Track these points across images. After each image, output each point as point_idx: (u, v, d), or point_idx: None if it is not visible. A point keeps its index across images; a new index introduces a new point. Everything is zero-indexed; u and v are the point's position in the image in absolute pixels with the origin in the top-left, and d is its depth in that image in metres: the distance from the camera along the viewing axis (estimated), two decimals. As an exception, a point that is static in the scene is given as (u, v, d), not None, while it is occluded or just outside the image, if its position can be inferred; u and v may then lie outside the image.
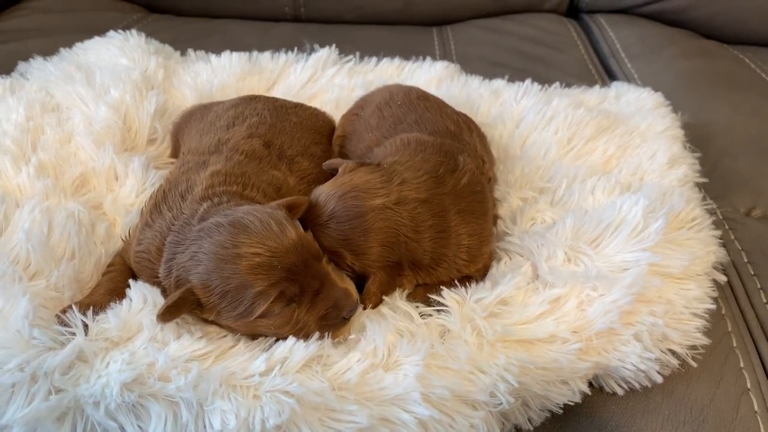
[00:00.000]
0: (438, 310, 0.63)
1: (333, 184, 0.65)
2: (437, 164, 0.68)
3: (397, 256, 0.64)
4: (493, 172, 0.80)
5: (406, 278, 0.65)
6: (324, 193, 0.65)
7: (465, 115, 0.83)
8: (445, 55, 1.31)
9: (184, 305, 0.57)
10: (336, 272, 0.62)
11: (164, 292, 0.61)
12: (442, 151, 0.70)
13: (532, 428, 0.63)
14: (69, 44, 1.11)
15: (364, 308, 0.64)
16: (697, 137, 0.98)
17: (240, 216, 0.58)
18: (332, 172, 0.69)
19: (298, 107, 0.86)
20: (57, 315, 0.58)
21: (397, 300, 0.64)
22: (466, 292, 0.64)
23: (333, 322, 0.59)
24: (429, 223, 0.65)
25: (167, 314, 0.56)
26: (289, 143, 0.77)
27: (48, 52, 1.08)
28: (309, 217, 0.65)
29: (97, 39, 1.11)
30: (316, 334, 0.59)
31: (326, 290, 0.59)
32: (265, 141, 0.74)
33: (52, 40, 1.17)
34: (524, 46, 1.37)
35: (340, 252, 0.64)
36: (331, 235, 0.64)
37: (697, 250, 0.70)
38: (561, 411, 0.62)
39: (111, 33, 1.12)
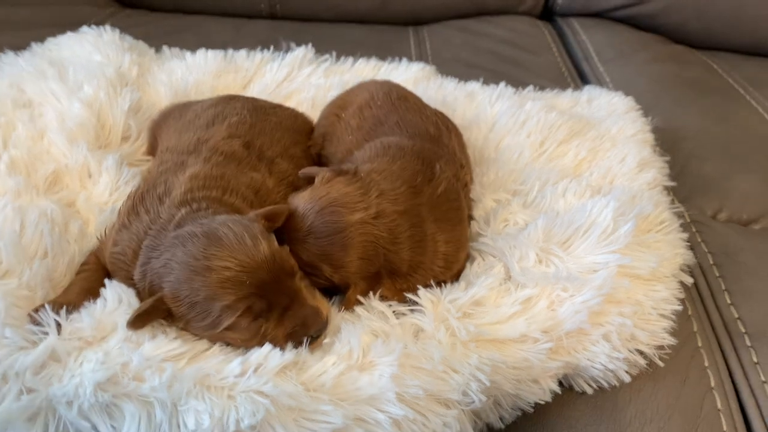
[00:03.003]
0: (412, 309, 0.64)
1: (310, 197, 0.65)
2: (415, 173, 0.69)
3: (376, 267, 0.65)
4: (470, 175, 0.80)
5: (384, 286, 0.66)
6: (302, 206, 0.65)
7: (443, 115, 0.84)
8: (421, 55, 1.32)
9: (154, 313, 0.57)
10: (308, 289, 0.63)
11: (138, 294, 0.60)
12: (420, 158, 0.71)
13: (503, 426, 0.64)
14: (41, 39, 1.09)
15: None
16: (666, 141, 1.00)
17: (215, 227, 0.58)
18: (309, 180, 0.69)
19: (277, 107, 0.86)
20: (29, 314, 0.58)
21: (372, 300, 0.64)
22: (441, 292, 0.65)
23: (300, 339, 0.59)
24: (407, 234, 0.66)
25: (138, 322, 0.56)
26: (269, 144, 0.77)
27: (19, 46, 1.06)
28: (287, 231, 0.65)
29: (69, 34, 1.09)
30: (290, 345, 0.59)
31: (295, 308, 0.59)
32: (244, 141, 0.74)
33: (24, 34, 1.15)
34: (499, 48, 1.38)
35: (318, 266, 0.64)
36: (310, 250, 0.64)
37: (665, 252, 0.71)
38: (532, 410, 0.64)
39: (84, 28, 1.11)
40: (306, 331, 0.59)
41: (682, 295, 0.71)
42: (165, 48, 1.14)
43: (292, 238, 0.64)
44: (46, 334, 0.56)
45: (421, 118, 0.81)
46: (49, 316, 0.56)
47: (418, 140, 0.76)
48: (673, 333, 0.68)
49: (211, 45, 1.14)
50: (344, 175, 0.67)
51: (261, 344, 0.58)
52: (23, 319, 0.58)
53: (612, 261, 0.66)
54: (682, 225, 0.80)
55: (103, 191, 0.77)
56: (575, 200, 0.75)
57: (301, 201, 0.65)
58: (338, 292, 0.68)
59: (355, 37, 1.37)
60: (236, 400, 0.53)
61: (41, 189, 0.75)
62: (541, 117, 0.90)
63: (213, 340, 0.59)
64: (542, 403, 0.64)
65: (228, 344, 0.59)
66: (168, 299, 0.57)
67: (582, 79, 1.32)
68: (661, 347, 0.68)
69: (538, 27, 1.50)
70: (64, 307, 0.57)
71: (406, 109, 0.81)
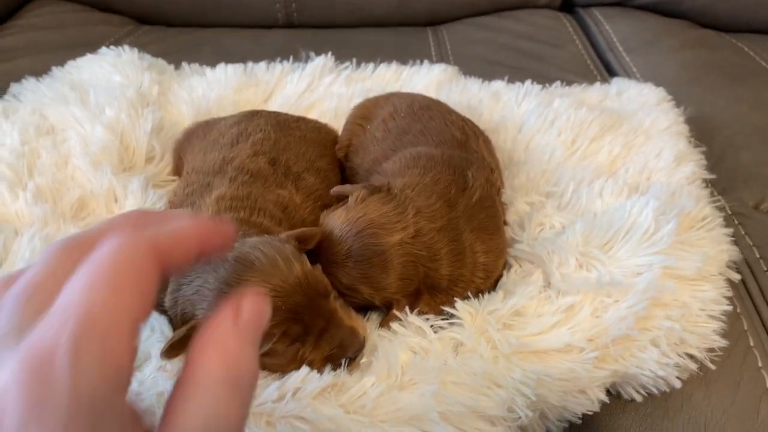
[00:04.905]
0: (450, 323, 0.62)
1: (346, 218, 0.63)
2: (448, 185, 0.67)
3: (416, 285, 0.63)
4: (501, 179, 0.78)
5: (423, 302, 0.64)
6: (338, 228, 0.63)
7: (469, 120, 0.82)
8: (442, 56, 1.30)
9: (188, 341, 0.56)
10: (343, 308, 0.61)
11: (171, 322, 0.59)
12: (451, 167, 0.69)
13: (550, 439, 0.62)
14: (60, 61, 1.09)
15: None
16: (700, 131, 0.96)
17: (246, 251, 0.56)
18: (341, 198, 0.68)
19: (301, 121, 0.84)
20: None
21: (409, 315, 0.62)
22: (479, 304, 0.63)
23: (338, 361, 0.57)
24: (446, 250, 0.64)
25: (172, 351, 0.55)
26: (294, 159, 0.75)
27: (39, 70, 1.06)
28: (324, 254, 0.63)
29: (89, 56, 1.09)
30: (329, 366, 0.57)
31: (332, 330, 0.58)
32: (270, 158, 0.73)
33: (43, 58, 1.15)
34: (520, 43, 1.35)
35: (358, 288, 0.63)
36: (350, 273, 0.62)
37: (710, 250, 0.68)
38: (580, 420, 0.61)
39: (103, 49, 1.11)
40: (344, 353, 0.58)
41: (730, 294, 0.68)
42: (184, 64, 1.14)
43: (330, 261, 0.63)
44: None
45: (446, 123, 0.79)
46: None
47: (446, 148, 0.74)
48: (723, 334, 0.65)
49: (229, 58, 1.13)
50: (378, 193, 0.65)
51: (299, 368, 0.56)
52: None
53: (656, 263, 0.63)
54: (723, 218, 0.77)
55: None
56: (613, 200, 0.73)
57: (337, 223, 0.64)
58: (374, 308, 0.67)
59: (374, 40, 1.35)
60: (276, 428, 0.52)
61: (68, 216, 0.74)
62: (570, 114, 0.87)
63: None
64: (590, 413, 0.61)
65: (264, 369, 0.58)
66: None
67: (608, 70, 1.29)
68: (711, 350, 0.65)
69: (559, 19, 1.46)
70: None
71: (430, 118, 0.80)
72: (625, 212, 0.68)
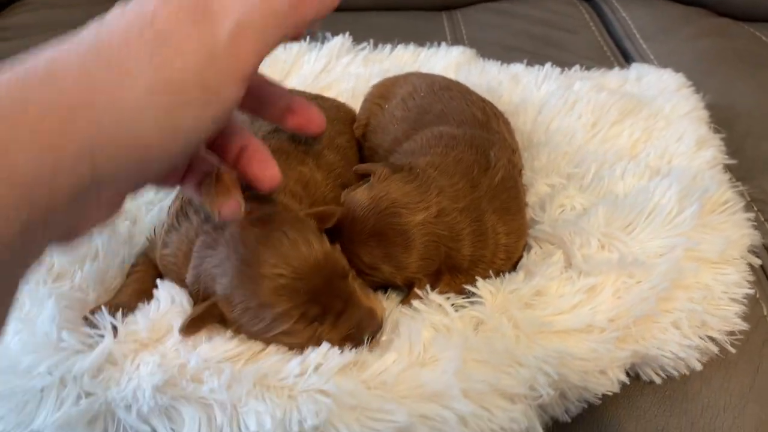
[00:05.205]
0: (471, 302, 0.62)
1: (368, 196, 0.63)
2: (471, 165, 0.66)
3: (437, 265, 0.63)
4: (520, 160, 0.78)
5: (444, 282, 0.64)
6: (360, 206, 0.63)
7: (489, 102, 0.81)
8: (457, 41, 1.29)
9: (208, 318, 0.56)
10: (362, 288, 0.61)
11: (191, 295, 0.59)
12: (474, 147, 0.69)
13: (569, 420, 0.62)
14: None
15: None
16: (719, 118, 0.95)
17: (267, 231, 0.55)
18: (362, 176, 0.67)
19: (319, 98, 0.84)
20: (85, 316, 0.57)
21: (430, 293, 0.62)
22: (500, 283, 0.63)
23: (356, 341, 0.57)
24: (468, 231, 0.63)
25: (191, 327, 0.55)
26: (315, 136, 0.75)
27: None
28: (344, 232, 0.63)
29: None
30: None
31: (350, 310, 0.57)
32: (290, 135, 0.72)
33: (56, 35, 1.15)
34: (536, 29, 1.34)
35: (380, 267, 0.63)
36: (372, 252, 0.62)
37: (732, 234, 0.68)
38: (599, 401, 0.61)
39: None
40: (361, 334, 0.57)
41: (752, 278, 0.68)
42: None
43: (352, 240, 0.63)
44: (102, 336, 0.55)
45: (467, 103, 0.78)
46: (105, 318, 0.55)
47: (467, 128, 0.73)
48: (744, 318, 0.65)
49: (245, 38, 1.12)
50: (401, 172, 0.64)
51: (317, 347, 0.56)
52: (78, 322, 0.57)
53: (679, 244, 0.63)
54: (743, 205, 0.76)
55: (148, 190, 0.76)
56: (635, 182, 0.72)
57: (360, 201, 0.63)
58: (394, 287, 0.67)
59: (389, 24, 1.34)
60: (298, 401, 0.52)
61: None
62: (591, 97, 0.87)
63: (267, 342, 0.58)
64: (609, 394, 0.61)
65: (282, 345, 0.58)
66: (221, 303, 0.56)
67: (625, 57, 1.28)
68: (731, 333, 0.64)
69: (575, 6, 1.45)
70: (120, 309, 0.56)
71: (450, 98, 0.79)
72: (648, 194, 0.68)
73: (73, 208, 0.34)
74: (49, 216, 0.32)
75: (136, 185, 0.40)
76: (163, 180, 0.48)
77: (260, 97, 0.50)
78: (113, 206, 0.40)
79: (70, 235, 0.38)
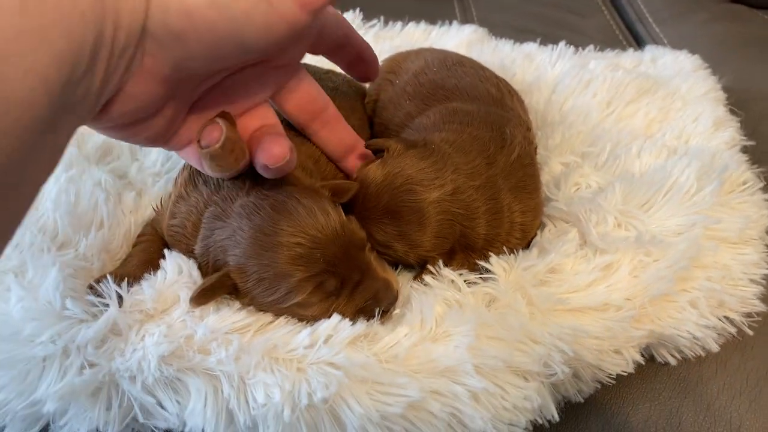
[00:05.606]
0: (483, 278, 0.61)
1: (382, 172, 0.61)
2: (487, 142, 0.65)
3: (451, 243, 0.61)
4: (534, 139, 0.76)
5: (458, 261, 0.62)
6: (374, 183, 0.61)
7: (502, 78, 0.80)
8: (467, 21, 1.27)
9: (219, 289, 0.54)
10: (378, 261, 0.59)
11: (199, 267, 0.58)
12: (489, 123, 0.67)
13: (582, 400, 0.60)
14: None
15: None
16: (735, 101, 0.94)
17: (283, 199, 0.54)
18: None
19: (330, 73, 0.82)
20: (90, 285, 0.55)
21: (443, 269, 0.60)
22: (514, 259, 0.62)
23: (371, 314, 0.56)
24: (483, 209, 0.62)
25: (202, 298, 0.54)
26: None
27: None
28: (357, 209, 0.61)
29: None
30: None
31: (367, 282, 0.56)
32: None
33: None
34: (547, 11, 1.33)
35: (393, 245, 0.61)
36: (386, 230, 0.60)
37: (752, 214, 0.67)
38: (613, 382, 0.60)
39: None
40: (377, 305, 0.56)
41: (769, 259, 0.66)
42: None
43: (365, 217, 0.61)
44: (107, 306, 0.53)
45: (480, 80, 0.76)
46: (110, 287, 0.54)
47: (482, 104, 0.71)
48: (762, 299, 0.64)
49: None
50: (415, 148, 0.63)
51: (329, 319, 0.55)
52: (82, 290, 0.55)
53: (698, 222, 0.62)
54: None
55: (155, 162, 0.74)
56: (652, 161, 0.71)
57: (373, 177, 0.62)
58: (406, 265, 0.65)
59: (398, 4, 1.32)
60: (307, 373, 0.50)
61: (92, 159, 0.72)
62: (606, 76, 0.85)
63: (279, 314, 0.56)
64: (624, 374, 0.60)
65: (296, 318, 0.57)
66: (234, 274, 0.54)
67: (637, 41, 1.26)
68: (749, 314, 0.63)
69: (587, -11, 1.43)
70: (126, 279, 0.55)
71: (464, 74, 0.77)
72: (666, 172, 0.66)
73: (116, 65, 0.38)
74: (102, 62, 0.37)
75: (175, 64, 0.42)
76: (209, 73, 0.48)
77: (339, 43, 0.63)
78: (154, 86, 0.43)
79: (110, 112, 0.42)
